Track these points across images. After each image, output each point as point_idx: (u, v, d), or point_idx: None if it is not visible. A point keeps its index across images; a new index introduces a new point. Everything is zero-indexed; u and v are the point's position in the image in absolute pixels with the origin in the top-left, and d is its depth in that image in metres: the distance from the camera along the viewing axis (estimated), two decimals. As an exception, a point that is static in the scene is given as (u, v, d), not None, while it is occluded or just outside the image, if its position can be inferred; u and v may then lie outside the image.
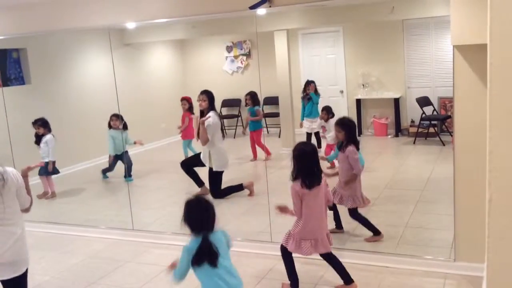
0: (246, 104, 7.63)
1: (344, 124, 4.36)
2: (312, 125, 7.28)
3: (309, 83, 7.57)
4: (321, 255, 3.58)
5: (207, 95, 5.80)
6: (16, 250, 2.84)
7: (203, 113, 5.81)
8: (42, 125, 6.31)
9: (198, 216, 2.81)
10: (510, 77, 1.64)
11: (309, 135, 7.49)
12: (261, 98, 8.37)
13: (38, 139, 6.33)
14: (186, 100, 7.21)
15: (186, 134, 7.23)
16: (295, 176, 3.43)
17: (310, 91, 7.43)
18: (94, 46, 7.95)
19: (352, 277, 3.66)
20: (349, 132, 4.32)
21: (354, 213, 4.35)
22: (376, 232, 4.32)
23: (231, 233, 4.68)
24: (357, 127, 8.43)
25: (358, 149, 4.33)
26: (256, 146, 7.42)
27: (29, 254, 2.98)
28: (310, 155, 3.44)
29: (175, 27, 7.51)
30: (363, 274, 3.80)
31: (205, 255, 2.74)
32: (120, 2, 4.57)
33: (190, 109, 7.20)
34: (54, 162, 6.33)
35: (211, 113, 5.73)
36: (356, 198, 4.32)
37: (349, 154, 4.25)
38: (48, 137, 6.30)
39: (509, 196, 1.69)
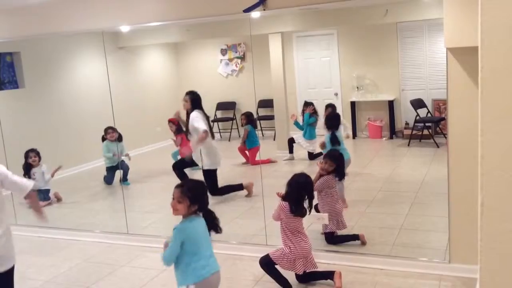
0: (242, 124, 7.62)
1: (331, 156, 4.46)
2: (310, 146, 7.15)
3: (307, 104, 7.29)
4: (301, 276, 3.71)
5: (190, 97, 5.77)
6: (1, 245, 2.89)
7: (187, 113, 5.77)
8: (37, 155, 6.24)
9: (206, 196, 3.03)
10: (501, 81, 1.64)
11: (291, 140, 7.45)
12: (255, 101, 8.38)
13: (28, 169, 6.22)
14: (172, 123, 7.16)
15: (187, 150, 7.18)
16: (285, 199, 3.66)
17: (306, 112, 7.19)
18: (88, 50, 7.93)
19: (347, 279, 3.68)
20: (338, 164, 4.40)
21: (330, 238, 4.35)
22: (356, 237, 4.33)
23: (226, 236, 4.71)
24: (352, 130, 8.52)
25: (340, 179, 4.49)
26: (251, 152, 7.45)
27: (15, 251, 3.04)
28: (303, 186, 3.68)
29: (169, 30, 7.50)
30: (358, 276, 3.80)
31: (215, 224, 3.01)
32: (114, 6, 4.56)
33: (178, 130, 7.16)
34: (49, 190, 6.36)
35: (194, 113, 5.68)
36: (336, 221, 4.34)
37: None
38: (44, 166, 6.28)
39: (501, 199, 1.70)
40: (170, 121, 7.18)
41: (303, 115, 7.27)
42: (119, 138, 6.86)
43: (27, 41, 6.32)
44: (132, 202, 6.13)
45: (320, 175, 4.36)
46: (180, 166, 6.11)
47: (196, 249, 2.89)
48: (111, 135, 6.82)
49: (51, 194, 6.33)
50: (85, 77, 8.07)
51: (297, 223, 3.66)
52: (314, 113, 7.19)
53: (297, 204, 3.62)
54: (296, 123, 7.32)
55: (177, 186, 2.96)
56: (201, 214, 2.97)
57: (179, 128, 7.10)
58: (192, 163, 5.97)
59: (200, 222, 2.95)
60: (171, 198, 2.94)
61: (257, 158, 7.23)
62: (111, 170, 6.95)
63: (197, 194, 2.96)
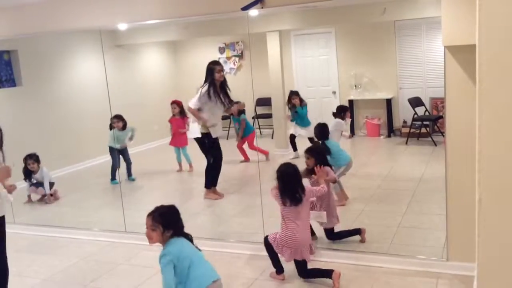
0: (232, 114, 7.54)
1: (313, 151, 4.42)
2: (308, 132, 7.10)
3: (293, 94, 7.21)
4: (296, 263, 3.72)
5: None
6: None
7: (215, 84, 5.58)
8: (36, 161, 6.22)
9: (180, 219, 2.96)
10: (499, 78, 1.65)
11: (293, 137, 7.37)
12: (253, 99, 8.38)
13: (29, 174, 6.22)
14: (176, 104, 7.14)
15: (181, 140, 7.14)
16: (280, 193, 3.69)
17: (297, 105, 7.10)
18: (85, 48, 7.91)
19: (345, 277, 3.68)
20: (318, 158, 4.34)
21: (331, 234, 4.35)
22: (358, 231, 4.34)
23: (224, 235, 4.72)
24: (350, 128, 8.51)
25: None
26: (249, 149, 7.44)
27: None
28: (291, 176, 3.68)
29: (167, 28, 7.49)
30: (356, 274, 3.81)
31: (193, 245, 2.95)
32: (112, 3, 4.55)
33: (181, 113, 7.12)
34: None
35: None
36: (332, 217, 4.32)
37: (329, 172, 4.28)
38: (45, 169, 6.28)
39: (498, 195, 1.71)
40: (174, 102, 7.14)
41: (289, 103, 7.17)
42: (124, 127, 6.85)
43: (24, 39, 6.30)
44: (130, 200, 6.12)
45: (307, 170, 4.31)
46: (216, 154, 5.84)
47: (189, 263, 2.83)
48: (117, 124, 6.77)
49: (47, 192, 6.30)
50: (83, 75, 8.06)
51: (292, 212, 3.65)
52: (302, 101, 7.16)
53: (292, 195, 3.63)
54: (293, 119, 7.28)
55: (148, 215, 2.90)
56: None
57: (183, 110, 7.08)
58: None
59: (181, 240, 2.89)
60: (145, 228, 2.90)
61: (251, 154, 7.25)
62: (113, 151, 6.87)
63: (170, 219, 2.89)
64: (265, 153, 7.33)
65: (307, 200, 3.74)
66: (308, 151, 4.45)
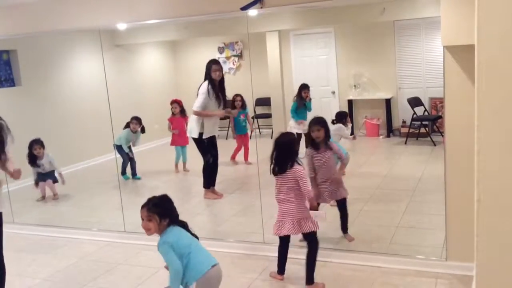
0: (236, 107, 7.38)
1: (323, 122, 4.28)
2: (303, 126, 7.09)
3: (305, 87, 7.11)
4: (303, 235, 3.71)
5: None
6: None
7: (213, 82, 5.62)
8: (42, 146, 6.28)
9: (174, 207, 3.00)
10: (497, 77, 1.65)
11: (299, 136, 7.30)
12: (253, 99, 8.38)
13: (34, 159, 6.27)
14: (177, 103, 7.15)
15: (183, 139, 7.14)
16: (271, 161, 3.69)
17: (307, 99, 7.04)
18: (85, 47, 7.91)
19: (344, 277, 3.68)
20: (327, 129, 4.30)
21: (344, 204, 4.36)
22: (345, 232, 4.38)
23: (224, 234, 4.71)
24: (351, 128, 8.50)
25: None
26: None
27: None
28: (286, 144, 3.65)
29: (166, 28, 7.50)
30: (355, 274, 3.81)
31: (191, 233, 2.99)
32: (111, 3, 4.55)
33: (182, 112, 7.13)
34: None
35: None
36: (343, 188, 4.34)
37: (336, 148, 4.29)
38: (51, 155, 6.34)
39: (497, 195, 1.71)
40: (174, 101, 7.15)
41: (298, 97, 7.06)
42: (142, 130, 7.01)
43: (23, 39, 6.30)
44: (129, 200, 6.12)
45: (312, 142, 4.24)
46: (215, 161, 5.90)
47: (187, 250, 2.87)
48: (134, 126, 6.90)
49: (56, 174, 6.38)
50: (82, 75, 8.05)
51: (277, 185, 3.65)
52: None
53: (278, 164, 3.62)
54: (297, 113, 7.23)
55: (142, 206, 2.96)
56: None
57: (183, 110, 7.10)
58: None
59: (177, 228, 2.93)
60: (141, 220, 2.94)
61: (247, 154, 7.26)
62: (122, 150, 6.93)
63: (165, 207, 2.94)
64: (246, 159, 7.32)
65: (292, 175, 3.60)
66: (318, 123, 4.23)
